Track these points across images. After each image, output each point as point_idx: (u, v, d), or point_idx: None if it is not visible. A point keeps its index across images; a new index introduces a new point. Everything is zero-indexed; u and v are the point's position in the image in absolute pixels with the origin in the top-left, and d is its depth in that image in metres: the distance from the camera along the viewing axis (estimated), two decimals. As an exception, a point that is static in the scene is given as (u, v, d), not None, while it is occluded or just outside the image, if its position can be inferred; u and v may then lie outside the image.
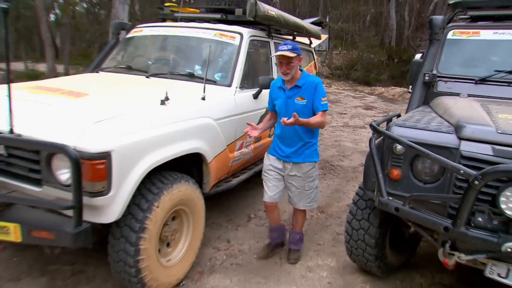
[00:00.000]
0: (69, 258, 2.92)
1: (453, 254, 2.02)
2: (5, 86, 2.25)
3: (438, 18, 3.26)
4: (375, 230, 2.52)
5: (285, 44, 2.66)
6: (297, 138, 2.78)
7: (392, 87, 16.60)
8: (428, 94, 3.13)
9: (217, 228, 3.60)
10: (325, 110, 2.72)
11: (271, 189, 2.94)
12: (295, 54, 2.62)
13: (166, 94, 2.46)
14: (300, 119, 2.53)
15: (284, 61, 2.65)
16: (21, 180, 2.11)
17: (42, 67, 14.22)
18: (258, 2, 3.42)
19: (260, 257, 3.09)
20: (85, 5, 33.06)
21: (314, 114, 2.73)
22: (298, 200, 2.93)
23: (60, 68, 13.90)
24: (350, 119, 10.22)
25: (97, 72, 3.69)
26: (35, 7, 12.90)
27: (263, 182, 3.01)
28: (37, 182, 2.05)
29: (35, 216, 1.99)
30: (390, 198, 2.13)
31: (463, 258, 2.02)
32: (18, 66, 15.00)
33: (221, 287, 2.72)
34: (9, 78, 1.89)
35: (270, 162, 2.94)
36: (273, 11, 3.72)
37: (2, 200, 1.97)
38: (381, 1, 26.99)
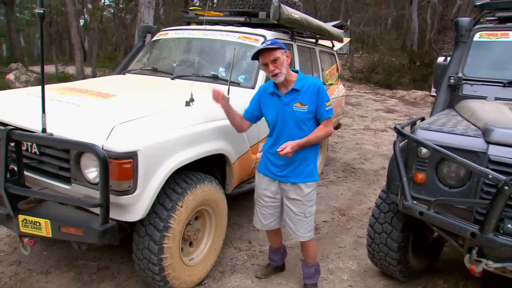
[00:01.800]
0: (95, 254, 3.00)
1: (480, 261, 1.97)
2: (38, 87, 2.36)
3: (465, 20, 3.20)
4: (397, 234, 2.50)
5: (263, 43, 2.30)
6: (295, 153, 2.31)
7: (414, 91, 16.31)
8: (453, 97, 3.07)
9: (239, 228, 3.63)
10: (330, 117, 2.36)
11: (265, 217, 2.60)
12: (276, 46, 2.24)
13: (191, 95, 2.50)
14: (297, 142, 2.25)
15: (269, 59, 2.24)
16: (52, 177, 2.20)
17: (71, 69, 14.69)
18: (281, 5, 3.44)
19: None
20: (112, 10, 34.12)
21: (317, 121, 2.38)
22: (296, 228, 2.48)
23: (88, 70, 14.34)
24: (371, 122, 10.10)
25: (124, 74, 3.79)
26: (67, 13, 13.33)
27: (256, 207, 2.65)
28: (67, 180, 2.13)
29: (64, 213, 2.06)
30: (414, 202, 2.10)
31: (491, 265, 1.96)
32: (49, 68, 15.59)
33: (243, 287, 2.74)
34: (43, 80, 1.96)
35: (263, 185, 2.53)
36: (296, 14, 3.74)
37: (35, 197, 2.05)
38: (403, 4, 26.60)
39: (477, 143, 2.02)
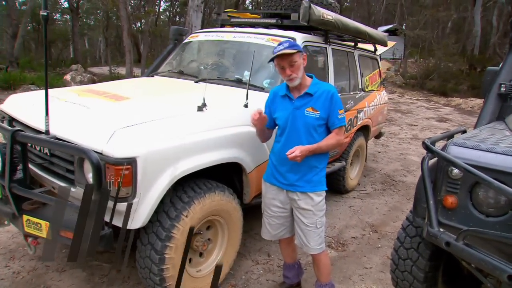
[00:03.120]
0: (109, 255, 2.99)
1: (520, 309, 1.65)
2: (63, 89, 2.38)
3: (522, 21, 2.81)
4: (424, 263, 2.19)
5: (280, 45, 2.18)
6: (302, 162, 2.20)
7: (471, 98, 15.16)
8: (504, 108, 2.70)
9: (260, 239, 3.43)
10: (342, 126, 2.26)
11: (274, 228, 2.48)
12: (294, 50, 2.14)
13: (204, 100, 2.40)
14: (307, 147, 2.13)
15: (285, 62, 2.16)
16: (60, 179, 2.19)
17: (124, 70, 15.42)
18: (312, 6, 3.24)
19: None
20: (168, 14, 35.65)
21: (328, 129, 2.28)
22: (307, 240, 2.34)
23: (138, 71, 14.95)
24: (420, 131, 9.48)
25: (152, 76, 3.79)
26: (120, 16, 14.03)
27: (264, 218, 2.52)
28: (73, 182, 2.10)
29: (66, 216, 2.02)
30: (441, 229, 1.82)
31: (534, 316, 1.63)
32: (106, 69, 16.47)
33: (251, 305, 2.58)
34: (47, 82, 1.94)
35: (271, 195, 2.41)
36: (329, 15, 3.52)
37: (36, 199, 2.04)
38: (465, 6, 24.90)
39: (522, 165, 1.70)
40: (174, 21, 34.59)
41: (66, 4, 27.13)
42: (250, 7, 30.41)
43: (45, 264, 2.87)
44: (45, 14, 1.79)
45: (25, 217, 2.02)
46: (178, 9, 34.55)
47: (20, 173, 2.03)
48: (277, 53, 2.14)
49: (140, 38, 27.48)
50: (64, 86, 11.28)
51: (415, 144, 7.98)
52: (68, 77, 12.05)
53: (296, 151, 2.10)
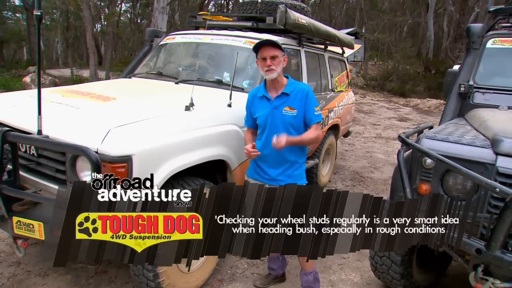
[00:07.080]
0: (93, 258, 2.97)
1: (486, 280, 1.87)
2: (44, 90, 2.36)
3: (477, 26, 3.10)
4: (401, 247, 2.39)
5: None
6: (282, 158, 2.36)
7: (428, 99, 16.04)
8: (464, 106, 2.97)
9: (240, 236, 3.56)
10: (319, 122, 2.39)
11: None
12: (277, 47, 2.31)
13: (191, 100, 2.47)
14: (291, 138, 2.24)
15: (268, 54, 2.27)
16: (49, 179, 2.18)
17: (86, 73, 14.91)
18: (288, 10, 3.40)
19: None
20: (129, 15, 34.84)
21: (306, 127, 2.41)
22: None
23: (102, 74, 14.53)
24: (383, 130, 9.95)
25: (130, 77, 3.79)
26: (83, 17, 13.60)
27: None
28: (63, 183, 2.11)
29: (59, 216, 2.03)
30: (417, 214, 2.01)
31: (498, 285, 1.85)
32: (66, 72, 15.86)
33: (240, 297, 2.68)
34: (39, 81, 1.95)
35: None
36: (303, 19, 3.69)
37: (29, 199, 2.03)
38: (419, 11, 26.31)
39: (485, 154, 1.93)
40: (136, 22, 33.86)
41: (17, 2, 25.82)
42: (213, 10, 30.42)
43: (26, 270, 2.81)
44: (39, 13, 1.80)
45: (15, 218, 2.01)
46: (140, 10, 33.91)
47: (10, 174, 2.02)
48: (261, 41, 2.32)
49: (100, 40, 26.68)
50: (24, 88, 10.79)
51: (379, 143, 8.38)
52: (27, 79, 11.52)
53: (283, 139, 2.18)
